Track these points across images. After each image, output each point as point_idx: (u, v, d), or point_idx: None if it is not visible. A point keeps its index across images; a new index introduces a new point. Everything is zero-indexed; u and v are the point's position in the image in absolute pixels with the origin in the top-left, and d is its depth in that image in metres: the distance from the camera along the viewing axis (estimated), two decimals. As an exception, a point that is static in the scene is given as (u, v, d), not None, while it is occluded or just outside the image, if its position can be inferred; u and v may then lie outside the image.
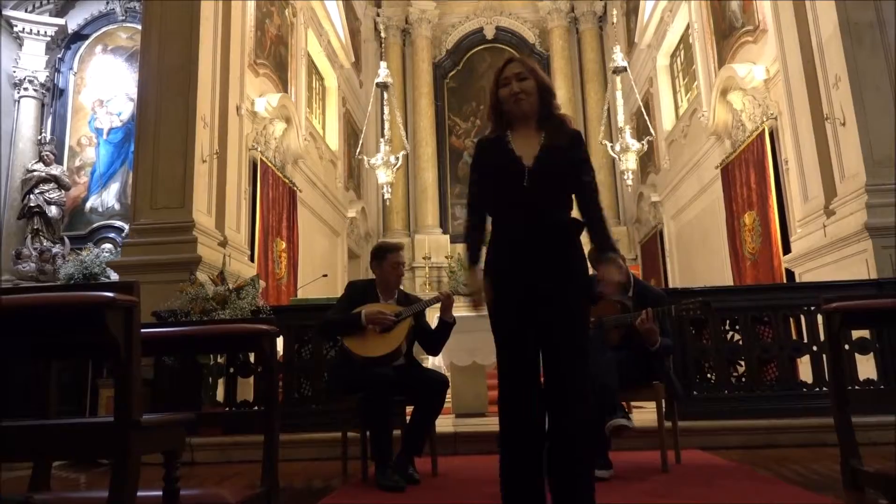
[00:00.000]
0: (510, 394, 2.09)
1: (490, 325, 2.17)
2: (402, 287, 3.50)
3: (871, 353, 4.15)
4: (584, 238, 2.22)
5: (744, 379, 4.36)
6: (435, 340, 3.39)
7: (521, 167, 2.15)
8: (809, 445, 3.71)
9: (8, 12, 8.40)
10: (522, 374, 2.09)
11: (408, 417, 3.28)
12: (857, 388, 4.03)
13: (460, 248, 11.66)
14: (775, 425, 3.94)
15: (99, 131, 8.46)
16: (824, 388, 4.07)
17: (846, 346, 4.07)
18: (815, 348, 4.25)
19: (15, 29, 8.44)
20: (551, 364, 2.08)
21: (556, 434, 2.04)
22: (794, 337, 4.46)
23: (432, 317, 3.46)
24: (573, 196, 2.21)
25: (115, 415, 1.56)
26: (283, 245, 7.81)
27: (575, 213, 2.21)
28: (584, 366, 2.10)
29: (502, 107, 2.23)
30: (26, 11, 8.52)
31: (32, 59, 8.44)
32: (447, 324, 3.33)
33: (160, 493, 1.91)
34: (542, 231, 2.14)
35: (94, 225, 8.16)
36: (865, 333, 4.15)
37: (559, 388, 2.06)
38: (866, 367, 4.16)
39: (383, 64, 9.47)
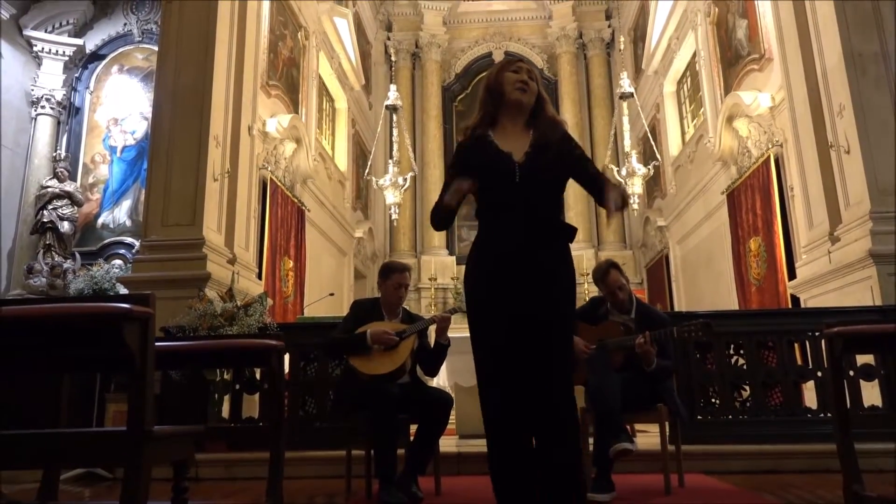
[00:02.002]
0: (495, 416, 1.99)
1: (471, 341, 2.07)
2: (406, 306, 3.55)
3: (877, 380, 4.14)
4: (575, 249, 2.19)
5: (748, 403, 4.36)
6: (432, 362, 3.43)
7: (512, 163, 2.04)
8: (814, 471, 3.69)
9: (28, 32, 8.60)
10: (508, 393, 1.97)
11: (412, 437, 3.30)
12: (860, 413, 4.02)
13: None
14: (780, 450, 3.92)
15: (113, 149, 8.59)
16: (829, 414, 4.06)
17: (851, 373, 4.07)
18: (819, 374, 4.25)
19: (34, 49, 8.63)
20: (538, 384, 1.97)
21: (547, 461, 1.96)
22: (799, 362, 4.47)
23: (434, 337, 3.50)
24: (563, 198, 2.14)
25: (128, 425, 1.60)
26: (291, 264, 7.87)
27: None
28: (570, 386, 2.01)
29: (502, 88, 2.14)
30: (46, 32, 8.72)
31: (50, 78, 8.62)
32: (442, 346, 3.36)
33: (168, 504, 1.95)
34: (535, 234, 2.02)
35: (105, 241, 8.25)
36: (870, 360, 4.15)
37: (547, 411, 1.96)
38: (871, 394, 4.15)
39: (393, 87, 9.61)
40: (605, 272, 3.37)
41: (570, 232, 2.10)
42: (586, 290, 9.64)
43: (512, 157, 2.06)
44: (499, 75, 2.19)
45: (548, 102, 2.21)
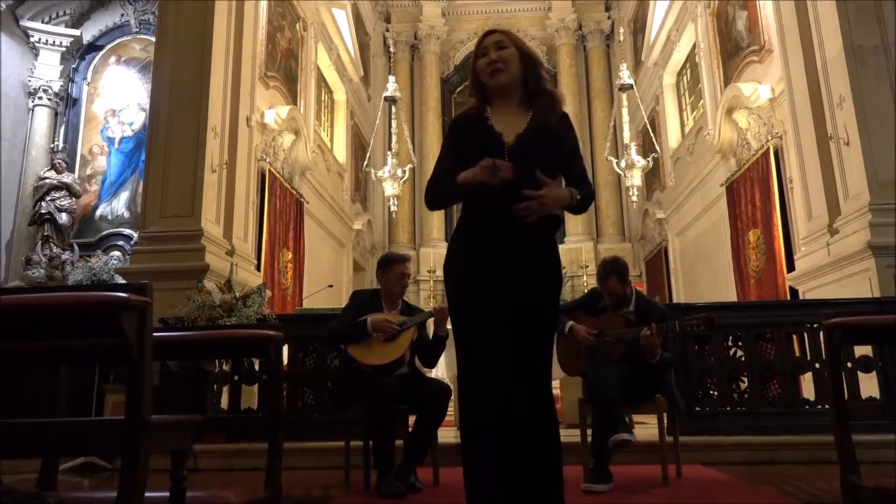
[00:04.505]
0: (472, 402, 1.89)
1: (452, 326, 1.98)
2: (405, 298, 3.55)
3: (874, 372, 4.15)
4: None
5: (746, 395, 4.37)
6: (430, 353, 3.43)
7: (501, 144, 1.94)
8: (812, 463, 3.70)
9: (25, 23, 8.56)
10: (488, 378, 1.87)
11: (410, 428, 3.31)
12: (858, 404, 4.04)
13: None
14: (777, 442, 3.94)
15: (110, 140, 8.57)
16: (826, 406, 4.08)
17: (849, 364, 4.08)
18: (817, 365, 4.26)
19: (31, 39, 8.59)
20: (515, 373, 1.89)
21: (523, 452, 1.86)
22: (797, 354, 4.48)
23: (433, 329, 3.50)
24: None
25: (126, 414, 1.59)
26: (290, 255, 7.87)
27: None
28: (547, 379, 1.93)
29: (481, 79, 2.03)
30: (43, 22, 8.68)
31: (47, 69, 8.59)
32: (440, 337, 3.36)
33: (166, 493, 1.94)
34: (515, 220, 1.91)
35: (104, 232, 8.25)
36: (868, 351, 4.16)
37: (522, 400, 1.87)
38: (869, 386, 4.16)
39: (392, 78, 9.58)
40: (606, 276, 3.35)
41: (553, 221, 2.00)
42: (585, 282, 9.66)
43: (502, 137, 1.97)
44: (474, 64, 2.09)
45: (538, 66, 2.07)
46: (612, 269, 3.36)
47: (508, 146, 1.95)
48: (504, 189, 1.91)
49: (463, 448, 1.91)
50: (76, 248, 8.06)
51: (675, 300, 10.02)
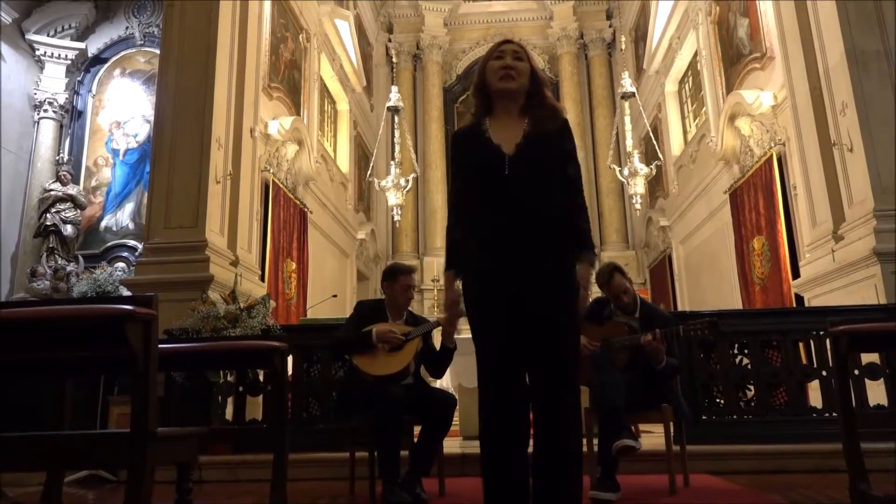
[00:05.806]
0: (492, 417, 1.94)
1: (472, 337, 2.00)
2: (409, 308, 3.54)
3: (882, 379, 4.12)
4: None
5: (753, 403, 4.34)
6: (437, 364, 3.42)
7: (501, 155, 1.96)
8: (820, 471, 3.67)
9: (31, 36, 8.64)
10: (506, 393, 1.92)
11: (415, 438, 3.29)
12: (866, 412, 4.01)
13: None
14: (785, 450, 3.90)
15: (115, 152, 8.62)
16: (834, 414, 4.05)
17: (856, 372, 4.06)
18: (824, 373, 4.23)
19: (37, 53, 8.67)
20: (538, 386, 1.91)
21: (545, 463, 1.89)
22: (804, 361, 4.45)
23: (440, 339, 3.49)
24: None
25: (131, 426, 1.59)
26: (294, 266, 7.88)
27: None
28: (575, 389, 1.94)
29: (488, 80, 2.05)
30: (48, 36, 8.76)
31: (53, 82, 8.66)
32: (448, 349, 3.35)
33: (172, 505, 1.94)
34: (525, 230, 1.93)
35: (108, 244, 8.28)
36: (875, 358, 4.13)
37: (547, 414, 1.89)
38: (877, 393, 4.13)
39: (394, 88, 9.62)
40: (609, 277, 3.35)
41: (564, 226, 1.99)
42: (590, 290, 9.62)
43: (501, 149, 1.98)
44: (484, 64, 2.11)
45: (545, 85, 2.10)
46: (612, 270, 3.37)
47: (509, 157, 1.97)
48: (504, 200, 1.95)
49: (483, 460, 1.97)
50: (81, 259, 8.09)
51: (679, 308, 9.99)
